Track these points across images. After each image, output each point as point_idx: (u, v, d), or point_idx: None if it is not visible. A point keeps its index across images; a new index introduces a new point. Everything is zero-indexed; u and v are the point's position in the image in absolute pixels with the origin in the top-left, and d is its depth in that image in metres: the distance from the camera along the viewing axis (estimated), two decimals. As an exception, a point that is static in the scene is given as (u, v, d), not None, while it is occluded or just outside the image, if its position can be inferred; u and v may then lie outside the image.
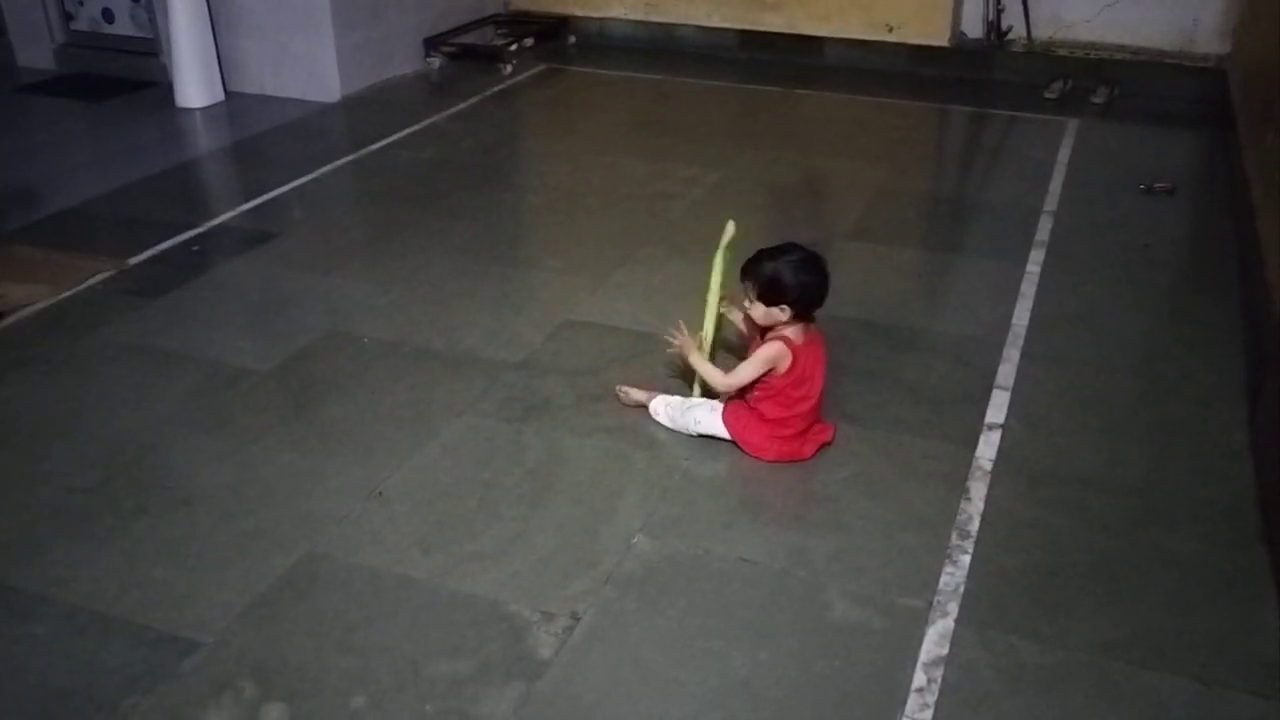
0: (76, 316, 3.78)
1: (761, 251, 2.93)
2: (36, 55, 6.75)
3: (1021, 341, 3.64)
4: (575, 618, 2.45)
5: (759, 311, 2.91)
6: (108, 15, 6.60)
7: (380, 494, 2.87)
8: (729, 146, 5.57)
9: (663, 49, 7.40)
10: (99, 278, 4.05)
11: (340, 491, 2.87)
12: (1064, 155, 5.42)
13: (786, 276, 2.84)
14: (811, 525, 2.78)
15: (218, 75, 6.18)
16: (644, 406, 3.19)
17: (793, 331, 2.92)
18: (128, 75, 6.52)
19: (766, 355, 2.91)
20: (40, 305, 3.84)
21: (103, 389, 3.35)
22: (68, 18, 6.69)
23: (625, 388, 3.27)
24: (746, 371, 2.94)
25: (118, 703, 2.21)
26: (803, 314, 2.91)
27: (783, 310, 2.87)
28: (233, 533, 2.72)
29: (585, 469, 2.98)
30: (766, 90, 6.59)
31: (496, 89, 6.56)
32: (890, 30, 6.86)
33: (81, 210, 4.72)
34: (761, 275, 2.87)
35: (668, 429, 3.13)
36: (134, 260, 4.20)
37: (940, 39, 6.79)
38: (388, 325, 3.74)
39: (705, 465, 3.00)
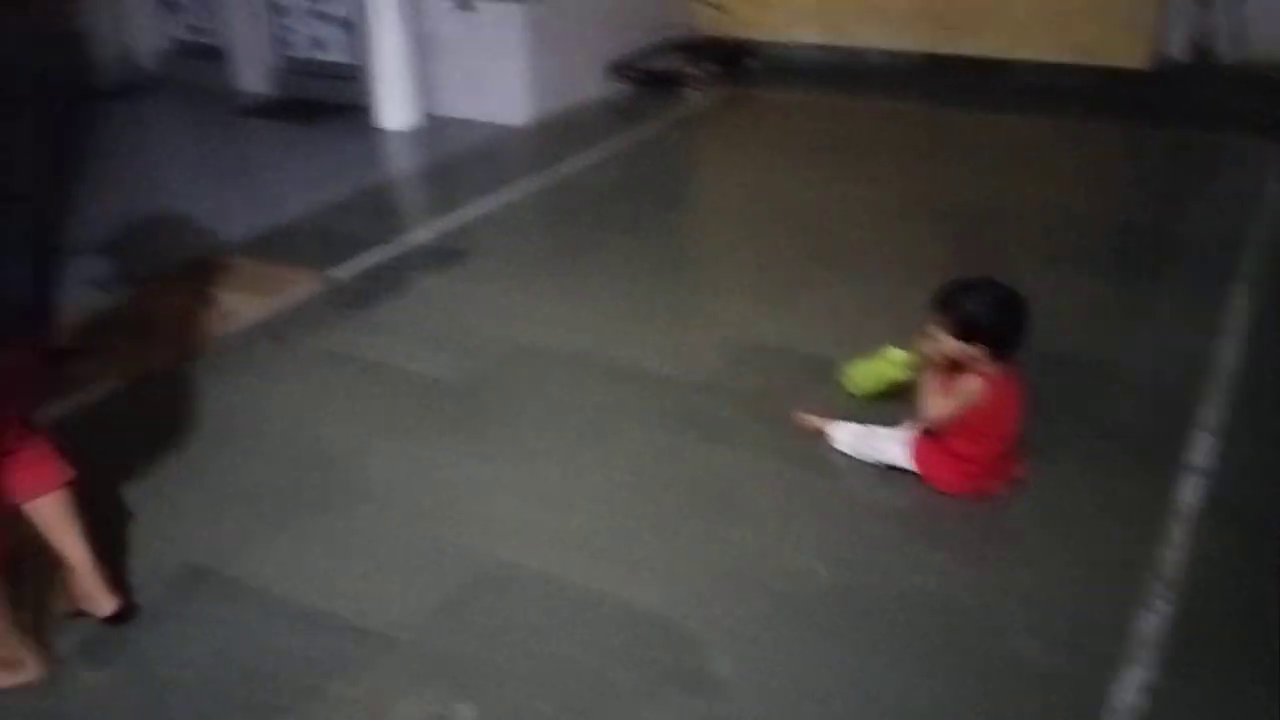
0: (287, 327, 4.05)
1: (956, 284, 2.83)
2: (254, 79, 7.27)
3: (1224, 380, 3.45)
4: (751, 639, 2.47)
5: (951, 346, 2.80)
6: (319, 43, 7.05)
7: (560, 503, 2.96)
8: (911, 171, 5.50)
9: (848, 72, 7.35)
10: (308, 290, 4.32)
11: (523, 499, 2.99)
12: (1274, 186, 5.11)
13: (984, 317, 2.74)
14: (996, 561, 2.72)
15: (418, 99, 6.51)
16: (822, 433, 3.19)
17: (991, 366, 2.83)
18: (335, 99, 6.93)
19: (967, 391, 2.81)
20: (256, 316, 4.13)
21: (310, 396, 3.57)
22: (284, 45, 7.18)
23: (803, 414, 3.27)
24: (949, 409, 2.85)
25: (325, 688, 2.36)
26: (998, 355, 2.80)
27: (978, 349, 2.78)
28: (424, 536, 2.86)
29: (762, 492, 3.00)
30: (952, 113, 6.47)
31: (680, 114, 6.66)
32: (1084, 52, 6.63)
33: (293, 226, 5.04)
34: (957, 311, 2.77)
35: (849, 457, 3.11)
36: (339, 274, 4.47)
37: (1138, 61, 6.52)
38: (570, 341, 3.85)
39: (887, 495, 2.98)
